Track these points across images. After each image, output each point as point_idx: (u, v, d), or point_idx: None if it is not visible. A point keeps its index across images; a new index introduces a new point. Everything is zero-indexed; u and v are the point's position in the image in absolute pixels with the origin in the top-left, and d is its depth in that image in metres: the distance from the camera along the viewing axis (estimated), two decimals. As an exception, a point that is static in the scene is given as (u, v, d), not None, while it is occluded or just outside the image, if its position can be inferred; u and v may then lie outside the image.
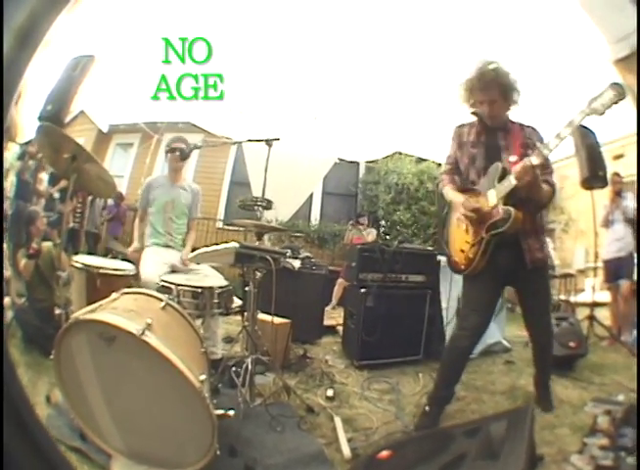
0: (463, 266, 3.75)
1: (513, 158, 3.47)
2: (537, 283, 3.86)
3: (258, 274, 3.98)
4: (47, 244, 5.25)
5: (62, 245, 5.14)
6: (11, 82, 1.74)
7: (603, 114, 3.03)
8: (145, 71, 8.17)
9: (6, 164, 5.04)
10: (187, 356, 2.68)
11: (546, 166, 3.54)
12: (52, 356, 2.74)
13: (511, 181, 3.34)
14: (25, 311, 4.62)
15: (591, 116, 3.08)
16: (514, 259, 3.60)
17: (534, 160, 3.24)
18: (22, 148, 6.37)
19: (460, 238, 3.81)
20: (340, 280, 8.10)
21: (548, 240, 9.63)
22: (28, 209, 5.74)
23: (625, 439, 3.11)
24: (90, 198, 9.75)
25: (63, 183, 6.83)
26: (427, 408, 3.80)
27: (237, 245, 3.67)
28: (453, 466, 2.38)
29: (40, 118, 6.34)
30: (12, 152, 5.83)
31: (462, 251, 3.75)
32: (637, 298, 6.30)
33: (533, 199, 3.48)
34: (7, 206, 4.88)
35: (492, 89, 3.56)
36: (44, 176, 7.10)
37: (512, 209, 3.36)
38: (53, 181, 7.17)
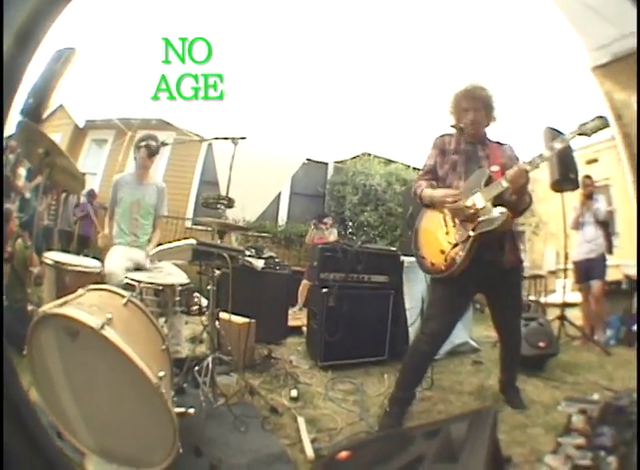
0: (444, 267, 3.70)
1: (495, 168, 3.68)
2: (512, 286, 4.04)
3: (217, 272, 3.96)
4: (20, 242, 5.23)
5: (33, 246, 5.11)
6: (11, 83, 1.74)
7: (590, 136, 3.42)
8: (123, 68, 8.18)
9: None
10: (146, 353, 2.65)
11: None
12: (25, 352, 2.71)
13: (502, 184, 3.50)
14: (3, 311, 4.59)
15: (581, 136, 3.43)
16: (494, 261, 3.70)
17: (528, 167, 3.46)
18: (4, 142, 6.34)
19: (439, 239, 3.80)
20: (304, 281, 8.11)
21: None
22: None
23: (603, 438, 3.11)
24: (64, 196, 9.73)
25: (38, 180, 6.79)
26: (387, 409, 3.82)
27: (194, 241, 3.64)
28: (410, 468, 2.36)
29: (22, 112, 6.30)
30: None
31: (442, 252, 3.73)
32: (638, 297, 6.46)
33: (518, 203, 3.62)
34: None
35: (477, 106, 3.84)
36: (22, 171, 7.05)
37: (505, 209, 3.48)
38: (30, 177, 7.13)
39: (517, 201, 3.60)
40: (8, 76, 1.68)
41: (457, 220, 3.69)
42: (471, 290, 3.95)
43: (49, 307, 2.72)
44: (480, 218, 3.54)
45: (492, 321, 4.22)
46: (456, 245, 3.63)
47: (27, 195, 7.17)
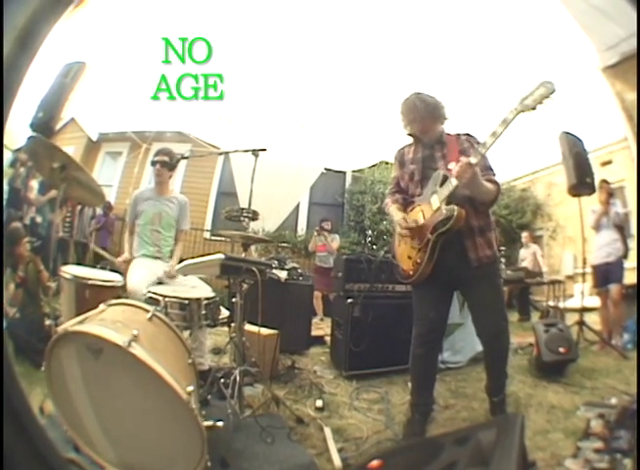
0: (411, 272, 3.83)
1: (451, 165, 3.54)
2: (485, 283, 3.79)
3: (245, 286, 3.95)
4: (32, 266, 5.26)
5: (48, 269, 5.12)
6: (11, 85, 1.73)
7: (534, 109, 3.25)
8: (135, 79, 8.18)
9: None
10: (174, 368, 2.65)
11: (488, 167, 3.76)
12: (43, 368, 2.71)
13: (452, 182, 3.47)
14: (16, 324, 4.58)
15: (525, 112, 3.29)
16: (459, 260, 3.68)
17: (472, 159, 3.36)
18: (13, 155, 6.32)
19: (406, 246, 3.93)
20: (315, 293, 8.04)
21: (536, 247, 9.69)
22: (10, 226, 5.63)
23: (620, 441, 3.14)
24: (79, 207, 9.71)
25: (52, 193, 6.80)
26: (409, 416, 3.90)
27: (222, 256, 3.63)
28: (444, 475, 2.37)
29: (32, 126, 6.28)
30: (4, 159, 5.76)
31: (409, 257, 3.86)
32: (637, 299, 6.34)
33: (476, 196, 3.62)
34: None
35: (417, 113, 3.83)
36: (34, 184, 7.05)
37: (455, 206, 3.51)
38: (43, 190, 7.12)
39: (473, 195, 3.60)
40: (8, 77, 1.68)
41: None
42: (444, 292, 3.93)
43: (70, 325, 2.72)
44: (437, 220, 3.58)
45: (473, 324, 3.94)
46: (419, 249, 3.73)
47: (39, 219, 7.16)
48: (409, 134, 4.03)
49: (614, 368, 5.45)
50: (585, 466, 3.00)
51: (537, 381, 5.08)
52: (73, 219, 9.50)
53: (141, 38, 7.59)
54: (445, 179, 3.59)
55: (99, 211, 10.03)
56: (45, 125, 6.67)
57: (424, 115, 3.82)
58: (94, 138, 11.28)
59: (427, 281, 3.75)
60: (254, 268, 3.75)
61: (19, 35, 1.67)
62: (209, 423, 2.83)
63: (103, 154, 11.63)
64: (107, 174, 11.26)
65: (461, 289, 4.06)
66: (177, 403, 2.52)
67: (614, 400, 4.00)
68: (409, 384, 4.66)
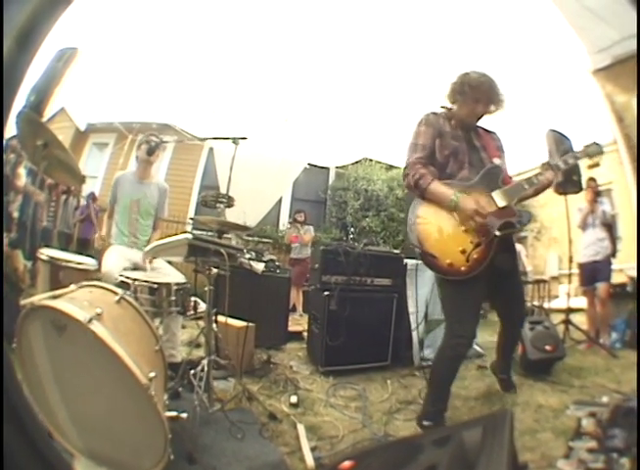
0: (463, 269, 3.43)
1: (497, 160, 3.61)
2: (517, 278, 4.10)
3: (214, 270, 3.81)
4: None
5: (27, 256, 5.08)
6: (11, 84, 1.72)
7: (591, 158, 3.81)
8: (124, 70, 8.13)
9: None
10: (138, 352, 2.55)
11: None
12: (14, 345, 2.59)
13: (524, 187, 3.54)
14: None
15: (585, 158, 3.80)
16: (506, 259, 3.61)
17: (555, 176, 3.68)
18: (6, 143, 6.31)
19: (458, 239, 3.48)
20: (294, 288, 8.10)
21: (521, 247, 9.90)
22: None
23: (615, 440, 3.06)
24: (64, 197, 9.70)
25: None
26: (425, 423, 3.58)
27: (190, 236, 3.47)
28: (422, 478, 2.23)
29: (23, 108, 6.27)
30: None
31: (463, 251, 3.43)
32: (637, 298, 6.52)
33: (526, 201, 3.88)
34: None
35: (488, 95, 3.66)
36: (22, 171, 7.03)
37: (529, 212, 3.71)
38: (32, 176, 7.08)
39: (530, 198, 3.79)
40: (8, 77, 1.66)
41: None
42: (486, 289, 3.61)
43: (37, 299, 2.63)
44: (510, 219, 3.44)
45: (501, 314, 4.19)
46: (478, 245, 3.43)
47: (15, 214, 7.07)
48: (444, 107, 3.83)
49: (602, 367, 5.49)
50: (579, 466, 2.94)
51: (523, 379, 5.03)
52: (57, 209, 9.48)
53: (132, 29, 7.58)
54: (504, 179, 3.61)
55: (83, 202, 10.04)
56: (36, 108, 6.66)
57: (493, 99, 3.68)
58: (82, 128, 11.30)
59: (477, 277, 3.44)
60: (223, 251, 3.56)
61: (18, 34, 1.65)
62: (172, 414, 2.74)
63: (90, 145, 11.77)
64: (92, 166, 11.41)
65: (496, 286, 3.72)
66: (137, 389, 2.41)
67: (605, 399, 3.94)
68: (388, 382, 4.66)
